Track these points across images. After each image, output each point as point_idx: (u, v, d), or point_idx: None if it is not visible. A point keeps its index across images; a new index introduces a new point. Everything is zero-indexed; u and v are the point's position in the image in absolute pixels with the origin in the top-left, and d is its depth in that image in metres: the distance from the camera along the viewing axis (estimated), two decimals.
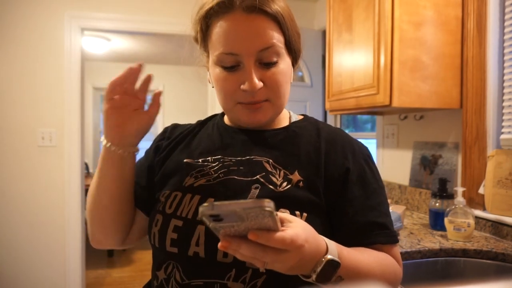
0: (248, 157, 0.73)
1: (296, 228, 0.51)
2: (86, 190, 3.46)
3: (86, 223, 3.57)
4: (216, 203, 0.44)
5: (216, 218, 0.45)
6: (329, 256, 0.55)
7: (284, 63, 0.72)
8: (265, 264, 0.51)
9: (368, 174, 0.73)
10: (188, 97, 5.75)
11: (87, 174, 5.12)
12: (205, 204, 0.44)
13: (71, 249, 2.62)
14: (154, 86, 5.63)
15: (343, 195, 0.70)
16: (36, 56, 2.56)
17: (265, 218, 0.45)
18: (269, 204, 0.43)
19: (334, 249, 0.57)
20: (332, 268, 0.55)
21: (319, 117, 2.92)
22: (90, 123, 5.78)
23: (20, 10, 2.52)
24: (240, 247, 0.48)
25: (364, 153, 0.76)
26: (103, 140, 0.70)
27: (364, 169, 0.73)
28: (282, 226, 0.51)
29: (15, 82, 2.54)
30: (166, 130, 0.86)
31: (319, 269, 0.54)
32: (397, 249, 0.72)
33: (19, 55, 2.54)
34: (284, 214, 0.53)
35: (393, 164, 2.04)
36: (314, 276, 0.55)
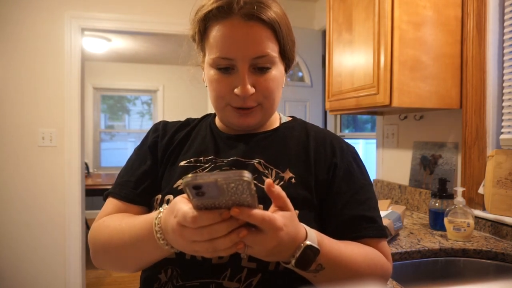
0: (240, 158, 0.74)
1: (276, 214, 0.53)
2: (86, 190, 3.44)
3: (86, 223, 3.51)
4: (198, 174, 0.46)
5: (198, 190, 0.46)
6: (307, 242, 0.56)
7: (277, 70, 0.74)
8: (245, 249, 0.52)
9: (356, 171, 0.75)
10: (188, 97, 5.76)
11: (87, 174, 5.12)
12: (189, 175, 0.46)
13: (71, 249, 2.62)
14: (154, 86, 5.63)
15: (332, 190, 0.72)
16: (36, 56, 2.56)
17: (244, 191, 0.47)
18: (248, 174, 0.46)
19: (314, 236, 0.58)
20: (311, 254, 0.57)
21: (319, 117, 2.92)
22: (90, 123, 5.78)
23: (20, 10, 2.53)
24: (221, 224, 0.49)
25: (352, 151, 0.79)
26: (159, 229, 0.59)
27: (352, 166, 0.75)
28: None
29: (15, 82, 2.54)
30: (157, 127, 0.85)
31: (298, 254, 0.56)
32: (386, 244, 0.73)
33: (19, 55, 2.54)
34: (280, 190, 0.55)
35: (393, 164, 2.05)
36: (293, 262, 0.56)
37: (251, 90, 0.70)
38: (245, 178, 0.45)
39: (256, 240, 0.51)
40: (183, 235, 0.52)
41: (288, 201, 0.55)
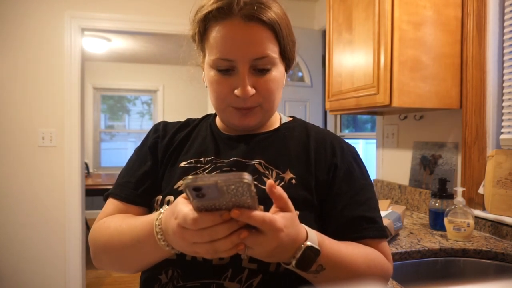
0: (240, 159, 0.74)
1: (277, 215, 0.53)
2: (86, 190, 3.44)
3: (86, 223, 3.50)
4: (198, 175, 0.46)
5: (199, 192, 0.46)
6: (308, 243, 0.56)
7: (277, 71, 0.74)
8: (245, 250, 0.52)
9: (356, 171, 0.75)
10: (188, 97, 5.76)
11: (87, 174, 5.12)
12: (189, 177, 0.46)
13: (71, 249, 2.62)
14: (154, 86, 5.63)
15: (332, 191, 0.72)
16: (36, 56, 2.56)
17: (245, 193, 0.47)
18: (248, 176, 0.45)
19: (314, 237, 0.58)
20: (311, 255, 0.56)
21: (319, 117, 2.92)
22: (90, 123, 5.78)
23: (20, 10, 2.53)
24: (221, 225, 0.49)
25: (352, 151, 0.79)
26: (160, 231, 0.59)
27: (352, 166, 0.75)
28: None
29: (15, 82, 2.54)
30: (157, 128, 0.85)
31: (298, 255, 0.56)
32: (386, 244, 0.73)
33: (19, 55, 2.54)
34: (281, 190, 0.55)
35: (393, 164, 2.05)
36: (293, 262, 0.56)
37: (252, 91, 0.70)
38: (245, 180, 0.45)
39: (257, 241, 0.51)
40: (183, 237, 0.52)
41: (289, 202, 0.55)
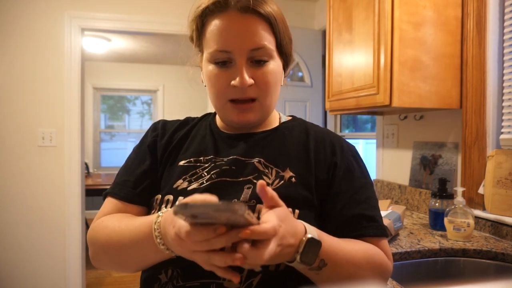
0: (240, 157, 0.74)
1: (270, 215, 0.53)
2: (86, 190, 3.43)
3: (86, 223, 3.50)
4: (189, 203, 0.44)
5: (191, 215, 0.46)
6: (309, 235, 0.57)
7: (275, 64, 0.74)
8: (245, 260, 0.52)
9: (356, 170, 0.75)
10: (188, 97, 5.76)
11: (87, 174, 5.12)
12: (179, 203, 0.45)
13: (71, 249, 2.62)
14: (154, 86, 5.62)
15: (332, 190, 0.72)
16: (36, 56, 2.56)
17: (237, 218, 0.46)
18: (240, 207, 0.43)
19: (313, 230, 0.59)
20: (314, 247, 0.57)
21: (319, 117, 2.92)
22: (90, 123, 5.78)
23: (20, 10, 2.53)
24: (217, 238, 0.49)
25: (352, 150, 0.79)
26: (159, 235, 0.60)
27: (352, 165, 0.75)
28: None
29: (15, 82, 2.54)
30: (156, 126, 0.85)
31: (301, 248, 0.56)
32: (386, 242, 0.73)
33: (19, 55, 2.54)
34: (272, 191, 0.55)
35: (393, 164, 2.05)
36: (298, 257, 0.56)
37: (249, 81, 0.70)
38: (240, 212, 0.44)
39: (258, 253, 0.51)
40: (182, 245, 0.53)
41: (280, 200, 0.56)
